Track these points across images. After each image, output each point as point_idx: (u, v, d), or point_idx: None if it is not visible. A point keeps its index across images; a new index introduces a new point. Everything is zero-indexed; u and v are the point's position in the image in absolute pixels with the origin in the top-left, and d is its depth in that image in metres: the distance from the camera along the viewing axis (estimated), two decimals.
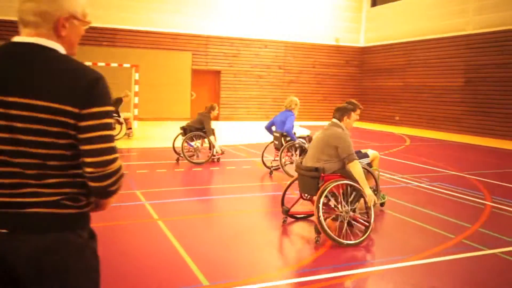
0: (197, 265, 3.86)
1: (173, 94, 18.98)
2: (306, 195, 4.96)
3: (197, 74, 19.83)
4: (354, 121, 5.20)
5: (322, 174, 4.58)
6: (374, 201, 4.66)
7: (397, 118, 19.33)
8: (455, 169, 9.17)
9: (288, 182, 5.31)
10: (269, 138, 8.82)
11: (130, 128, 12.61)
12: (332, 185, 4.49)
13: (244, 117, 20.66)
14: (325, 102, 22.33)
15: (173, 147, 9.28)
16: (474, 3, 16.76)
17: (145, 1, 18.61)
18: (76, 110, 1.52)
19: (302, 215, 5.25)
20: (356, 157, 4.72)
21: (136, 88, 14.32)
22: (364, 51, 22.65)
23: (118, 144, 12.18)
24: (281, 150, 7.93)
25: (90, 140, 1.55)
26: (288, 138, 7.90)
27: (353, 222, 4.69)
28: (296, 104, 8.19)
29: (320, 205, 4.37)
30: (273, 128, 8.36)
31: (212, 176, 8.31)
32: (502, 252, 4.45)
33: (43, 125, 1.51)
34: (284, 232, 5.00)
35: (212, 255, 4.14)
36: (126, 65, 14.67)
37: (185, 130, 9.04)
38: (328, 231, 4.33)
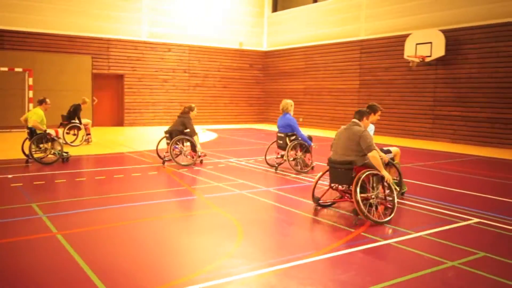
0: (100, 278, 3.69)
1: (72, 99, 17.94)
2: (335, 185, 5.91)
3: (98, 78, 18.99)
4: (371, 121, 6.33)
5: (355, 166, 5.54)
6: (396, 189, 5.86)
7: (301, 119, 20.07)
8: None
9: (318, 175, 6.22)
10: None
11: (89, 134, 13.04)
12: (364, 175, 5.43)
13: (150, 122, 20.19)
14: (231, 105, 22.58)
15: (157, 152, 9.78)
16: (366, 10, 17.98)
17: (36, 0, 17.44)
18: None
19: (329, 203, 6.15)
20: (375, 148, 5.71)
21: (31, 94, 13.36)
22: (267, 55, 23.26)
23: (79, 150, 11.75)
24: (287, 149, 8.86)
25: None
26: (292, 138, 8.95)
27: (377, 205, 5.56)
28: (291, 105, 9.20)
29: (358, 191, 5.28)
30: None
31: (119, 183, 7.99)
32: (395, 242, 4.81)
33: None
34: (188, 239, 4.96)
35: (116, 267, 3.99)
36: (18, 69, 13.63)
37: (170, 134, 9.38)
38: (366, 211, 5.28)
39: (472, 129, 14.46)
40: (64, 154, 9.61)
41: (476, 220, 5.73)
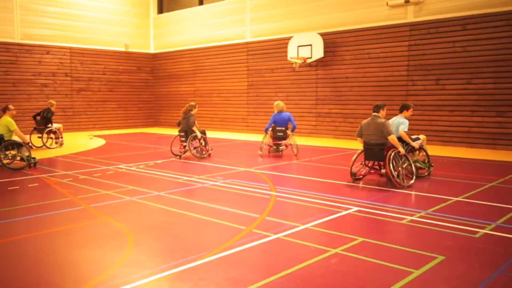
0: None
1: None
2: (368, 162, 8.12)
3: None
4: (406, 116, 8.42)
5: (386, 147, 7.69)
6: (430, 165, 8.57)
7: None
8: (245, 166, 9.99)
9: (354, 156, 8.17)
10: None
11: (61, 138, 13.72)
12: (394, 153, 7.60)
13: (30, 131, 18.66)
14: (120, 109, 21.81)
15: (171, 150, 11.52)
16: (250, 14, 18.48)
17: None
18: None
19: (361, 176, 8.17)
20: (393, 132, 7.72)
21: None
22: (155, 58, 22.83)
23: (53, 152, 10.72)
24: (288, 139, 11.50)
25: None
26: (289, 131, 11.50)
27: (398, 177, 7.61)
28: (284, 104, 11.79)
29: (391, 164, 7.49)
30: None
31: (15, 196, 7.28)
32: (284, 235, 5.04)
33: None
34: (73, 252, 4.71)
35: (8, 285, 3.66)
36: None
37: (186, 133, 11.07)
38: (396, 177, 7.51)
39: (351, 125, 15.62)
40: (32, 159, 9.78)
41: (356, 208, 6.22)
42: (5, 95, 18.09)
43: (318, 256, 4.37)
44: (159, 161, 10.83)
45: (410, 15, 14.14)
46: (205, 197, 6.99)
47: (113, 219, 5.76)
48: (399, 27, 14.34)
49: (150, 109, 23.00)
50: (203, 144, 11.29)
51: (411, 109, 8.51)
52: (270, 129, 11.65)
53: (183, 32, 21.37)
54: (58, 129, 13.73)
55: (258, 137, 16.39)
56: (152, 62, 22.89)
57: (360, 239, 4.88)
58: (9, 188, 7.79)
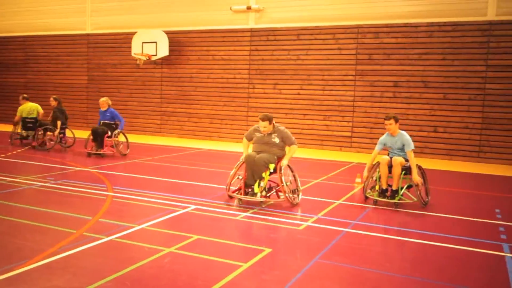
0: None
1: None
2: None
3: None
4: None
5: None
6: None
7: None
8: (82, 165, 9.40)
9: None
10: None
11: None
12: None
13: None
14: None
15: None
16: (91, 4, 17.42)
17: None
18: None
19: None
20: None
21: None
22: None
23: None
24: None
25: None
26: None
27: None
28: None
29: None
30: None
31: None
32: (118, 237, 4.87)
33: None
34: None
35: None
36: None
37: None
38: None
39: (195, 124, 15.81)
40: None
41: (193, 207, 6.31)
42: None
43: (151, 256, 4.32)
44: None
45: (251, 21, 14.86)
46: (31, 200, 6.38)
47: None
48: (241, 32, 14.97)
49: None
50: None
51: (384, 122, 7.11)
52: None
53: (14, 16, 19.17)
54: None
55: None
56: None
57: (195, 237, 4.96)
58: None
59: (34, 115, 12.00)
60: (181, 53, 15.87)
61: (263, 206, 6.40)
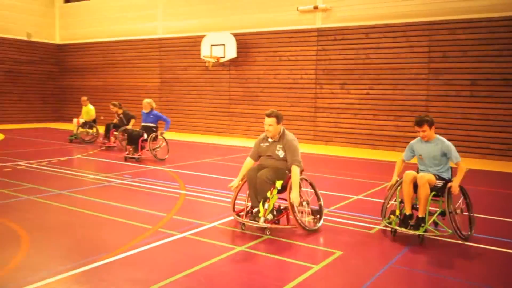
0: None
1: None
2: None
3: None
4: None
5: None
6: None
7: (102, 117, 19.18)
8: (157, 164, 9.79)
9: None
10: None
11: None
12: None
13: None
14: (22, 102, 20.34)
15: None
16: (163, 9, 18.14)
17: None
18: None
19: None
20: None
21: None
22: (61, 49, 21.56)
23: None
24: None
25: None
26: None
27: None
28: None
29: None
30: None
31: None
32: (191, 234, 5.03)
33: None
34: None
35: None
36: None
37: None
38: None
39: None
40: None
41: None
42: None
43: (223, 254, 4.42)
44: (64, 158, 10.27)
45: (318, 21, 14.75)
46: (110, 196, 6.75)
47: (6, 220, 5.37)
48: (308, 32, 14.90)
49: (55, 103, 21.67)
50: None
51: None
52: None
53: (92, 23, 20.40)
54: None
55: (172, 136, 16.16)
56: (58, 54, 21.59)
57: (265, 237, 5.01)
58: None
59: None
60: (248, 55, 16.07)
61: (268, 233, 5.08)
